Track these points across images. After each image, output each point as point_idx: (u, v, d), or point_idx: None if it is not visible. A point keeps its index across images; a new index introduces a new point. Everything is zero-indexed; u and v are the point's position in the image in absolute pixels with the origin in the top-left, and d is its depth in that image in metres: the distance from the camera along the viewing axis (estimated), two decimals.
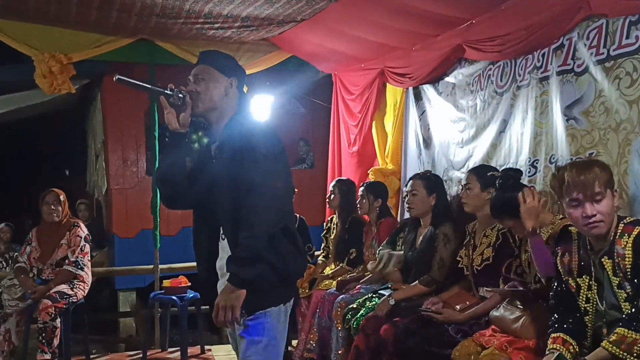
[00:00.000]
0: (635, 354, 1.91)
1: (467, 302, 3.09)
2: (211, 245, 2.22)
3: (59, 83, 4.55)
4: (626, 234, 2.07)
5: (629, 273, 2.02)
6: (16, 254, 5.11)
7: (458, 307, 3.07)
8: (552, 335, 2.24)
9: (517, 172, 2.96)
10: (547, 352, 2.20)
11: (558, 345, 2.18)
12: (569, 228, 2.35)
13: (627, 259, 2.03)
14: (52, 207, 4.46)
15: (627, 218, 2.16)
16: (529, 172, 3.35)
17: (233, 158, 2.10)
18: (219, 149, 2.23)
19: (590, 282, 2.19)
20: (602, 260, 2.13)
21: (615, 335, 1.97)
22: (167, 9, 4.03)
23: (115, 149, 7.17)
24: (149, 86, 2.17)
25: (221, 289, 2.09)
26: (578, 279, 2.23)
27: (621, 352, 1.93)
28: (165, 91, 2.15)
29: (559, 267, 2.32)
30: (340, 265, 4.45)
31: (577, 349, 2.18)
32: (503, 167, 3.50)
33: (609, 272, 2.10)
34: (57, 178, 10.08)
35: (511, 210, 2.65)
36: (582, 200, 2.07)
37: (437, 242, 3.45)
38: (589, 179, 2.06)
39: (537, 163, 3.31)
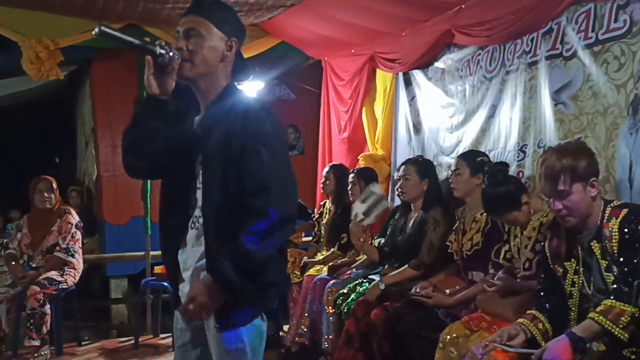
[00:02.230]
0: (621, 325, 1.95)
1: (457, 287, 3.12)
2: (179, 232, 1.90)
3: (47, 69, 4.51)
4: (614, 217, 2.09)
5: (616, 254, 2.05)
6: (6, 240, 5.11)
7: (448, 291, 3.10)
8: (528, 311, 2.29)
9: (505, 165, 2.95)
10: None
11: (526, 321, 2.24)
12: None
13: (614, 240, 2.06)
14: (45, 194, 4.46)
15: (614, 202, 2.18)
16: (517, 157, 3.37)
17: (229, 141, 1.78)
18: (206, 122, 1.87)
19: (577, 267, 2.21)
20: (591, 244, 2.15)
21: (603, 306, 2.00)
22: None
23: (105, 136, 7.12)
24: (137, 42, 1.76)
25: (192, 283, 1.86)
26: (565, 263, 2.25)
27: (608, 322, 1.96)
28: (155, 49, 1.76)
29: (547, 252, 2.34)
30: (332, 250, 4.46)
31: (547, 327, 2.21)
32: (492, 153, 3.52)
33: (598, 256, 2.12)
34: (47, 165, 10.03)
35: (506, 204, 2.66)
36: (550, 195, 2.13)
37: (427, 226, 3.46)
38: (554, 175, 2.09)
39: (525, 148, 3.32)
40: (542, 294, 2.33)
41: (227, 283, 1.73)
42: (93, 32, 1.70)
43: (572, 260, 2.23)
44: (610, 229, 2.08)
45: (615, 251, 2.05)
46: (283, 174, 1.78)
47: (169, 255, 1.95)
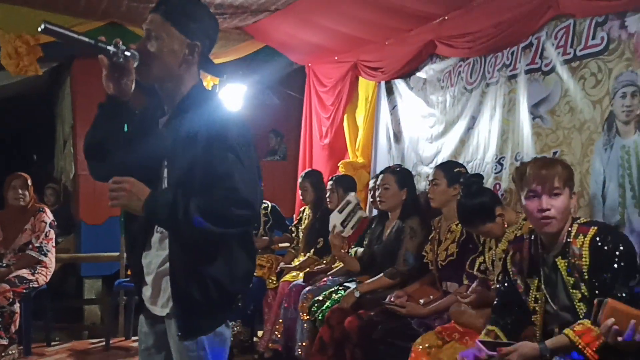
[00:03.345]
0: (594, 349, 1.91)
1: (431, 297, 3.13)
2: (143, 235, 1.84)
3: (26, 64, 4.45)
4: (581, 234, 2.06)
5: (585, 273, 2.03)
6: None
7: (422, 301, 3.10)
8: (487, 327, 2.27)
9: (479, 177, 2.96)
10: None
11: (489, 338, 2.21)
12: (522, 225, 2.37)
13: (583, 259, 2.03)
14: (20, 191, 4.39)
15: (581, 219, 2.15)
16: (495, 169, 3.39)
17: (194, 144, 1.71)
18: (171, 124, 1.81)
19: (539, 284, 2.18)
20: (556, 260, 2.12)
21: (581, 326, 1.95)
22: None
23: (84, 134, 6.98)
24: (86, 39, 1.66)
25: (154, 287, 1.82)
26: (527, 279, 2.23)
27: (582, 343, 1.93)
28: (108, 47, 1.67)
29: (508, 266, 2.31)
30: (308, 255, 4.45)
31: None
32: (470, 164, 3.54)
33: (563, 273, 2.10)
34: (24, 163, 9.88)
35: (480, 216, 2.67)
36: (539, 192, 2.07)
37: (404, 235, 3.47)
38: (550, 172, 2.07)
39: (503, 160, 3.35)
40: (501, 307, 2.31)
41: (159, 209, 1.66)
42: (39, 29, 1.63)
43: (535, 276, 2.20)
44: (578, 246, 2.05)
45: (585, 270, 2.03)
46: (248, 178, 1.69)
47: (133, 258, 1.90)
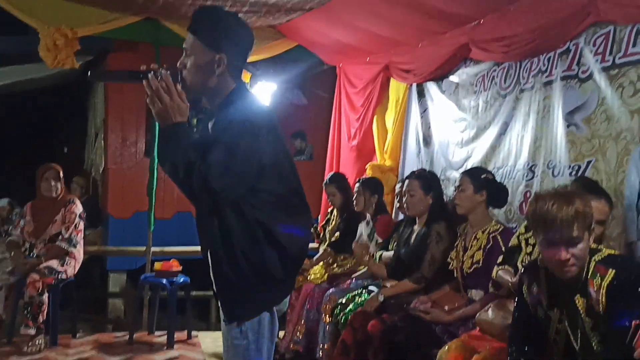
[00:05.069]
0: None
1: (456, 304, 3.09)
2: (206, 226, 1.95)
3: (63, 57, 4.50)
4: (598, 275, 1.93)
5: (604, 319, 1.92)
6: (10, 227, 5.10)
7: (446, 307, 3.06)
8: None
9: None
10: None
11: None
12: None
13: (601, 305, 1.92)
14: (52, 183, 4.44)
15: (598, 254, 1.99)
16: (526, 176, 3.34)
17: (223, 130, 1.84)
18: (216, 126, 1.93)
19: (562, 316, 2.07)
20: (575, 299, 2.00)
21: None
22: None
23: (115, 128, 7.13)
24: (126, 73, 1.88)
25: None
26: (548, 311, 2.11)
27: None
28: (149, 74, 1.82)
29: (526, 296, 2.19)
30: (323, 249, 4.47)
31: None
32: (500, 170, 3.50)
33: (582, 312, 1.99)
34: (55, 153, 10.06)
35: None
36: (557, 242, 1.92)
37: (430, 239, 3.43)
38: (568, 220, 1.89)
39: (535, 168, 3.29)
40: (521, 339, 2.18)
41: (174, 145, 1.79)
42: (87, 78, 1.85)
43: (555, 309, 2.09)
44: (595, 288, 1.93)
45: (603, 315, 1.91)
46: (232, 165, 1.77)
47: (201, 247, 2.03)
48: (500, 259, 2.84)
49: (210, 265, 1.91)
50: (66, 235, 4.39)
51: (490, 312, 2.67)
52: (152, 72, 1.80)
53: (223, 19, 1.93)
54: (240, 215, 1.85)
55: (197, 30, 1.90)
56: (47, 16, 4.47)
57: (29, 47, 4.98)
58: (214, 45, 1.88)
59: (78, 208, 4.52)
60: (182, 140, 1.79)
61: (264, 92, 5.81)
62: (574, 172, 2.98)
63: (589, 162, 2.87)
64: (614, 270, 1.92)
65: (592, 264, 1.96)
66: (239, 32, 1.94)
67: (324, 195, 5.31)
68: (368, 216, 4.18)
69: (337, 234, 4.39)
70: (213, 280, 1.93)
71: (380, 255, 3.84)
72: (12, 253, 4.37)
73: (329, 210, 4.87)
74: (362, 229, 3.92)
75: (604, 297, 1.91)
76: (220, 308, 1.94)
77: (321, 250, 4.69)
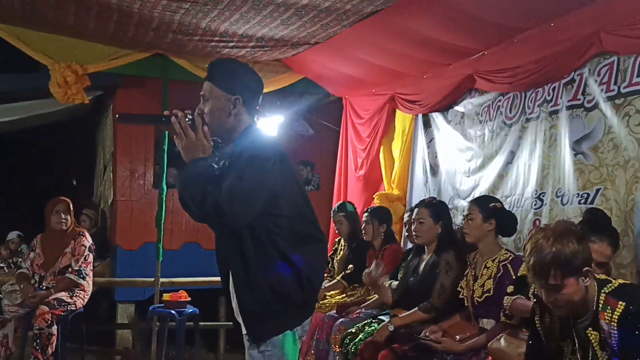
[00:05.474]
0: None
1: (467, 333, 3.07)
2: (226, 258, 2.14)
3: (73, 93, 4.60)
4: (609, 308, 1.92)
5: (618, 352, 1.90)
6: (20, 259, 5.12)
7: (458, 337, 3.05)
8: None
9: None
10: None
11: None
12: None
13: (613, 338, 1.91)
14: (62, 216, 4.47)
15: (608, 285, 1.97)
16: (535, 204, 3.35)
17: (235, 161, 2.06)
18: (229, 160, 2.14)
19: (574, 348, 2.05)
20: (587, 332, 1.98)
21: None
22: (184, 25, 4.09)
23: (124, 161, 7.18)
24: (154, 118, 2.18)
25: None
26: (561, 342, 2.10)
27: None
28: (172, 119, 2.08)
29: (538, 326, 2.19)
30: (337, 279, 4.44)
31: None
32: (508, 199, 3.51)
33: (595, 345, 1.97)
34: (64, 187, 10.12)
35: None
36: (541, 289, 1.97)
37: (439, 269, 3.43)
38: (544, 269, 1.91)
39: (543, 196, 3.31)
40: None
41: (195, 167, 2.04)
42: (116, 120, 2.00)
43: (568, 340, 2.07)
44: (606, 321, 1.92)
45: (617, 349, 1.90)
46: (238, 193, 1.95)
47: (221, 277, 2.24)
48: (511, 288, 2.84)
49: (232, 286, 2.07)
50: (76, 268, 4.40)
51: (502, 341, 2.67)
52: (181, 113, 2.05)
53: (236, 66, 2.24)
54: (256, 238, 2.02)
55: (214, 78, 2.15)
56: (58, 53, 4.58)
57: (39, 84, 5.08)
58: (230, 88, 2.14)
59: (87, 240, 4.54)
60: (202, 173, 2.00)
61: (271, 124, 5.87)
62: (582, 200, 3.00)
63: (597, 190, 2.89)
64: (624, 303, 1.90)
65: (603, 297, 1.95)
66: (251, 77, 2.22)
67: (332, 225, 5.33)
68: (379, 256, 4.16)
69: (351, 266, 4.37)
70: (235, 303, 2.08)
71: (390, 284, 3.83)
72: (22, 285, 4.37)
73: (336, 240, 4.88)
74: (376, 264, 3.89)
75: (615, 330, 1.89)
76: (244, 330, 2.06)
77: (332, 281, 4.69)
